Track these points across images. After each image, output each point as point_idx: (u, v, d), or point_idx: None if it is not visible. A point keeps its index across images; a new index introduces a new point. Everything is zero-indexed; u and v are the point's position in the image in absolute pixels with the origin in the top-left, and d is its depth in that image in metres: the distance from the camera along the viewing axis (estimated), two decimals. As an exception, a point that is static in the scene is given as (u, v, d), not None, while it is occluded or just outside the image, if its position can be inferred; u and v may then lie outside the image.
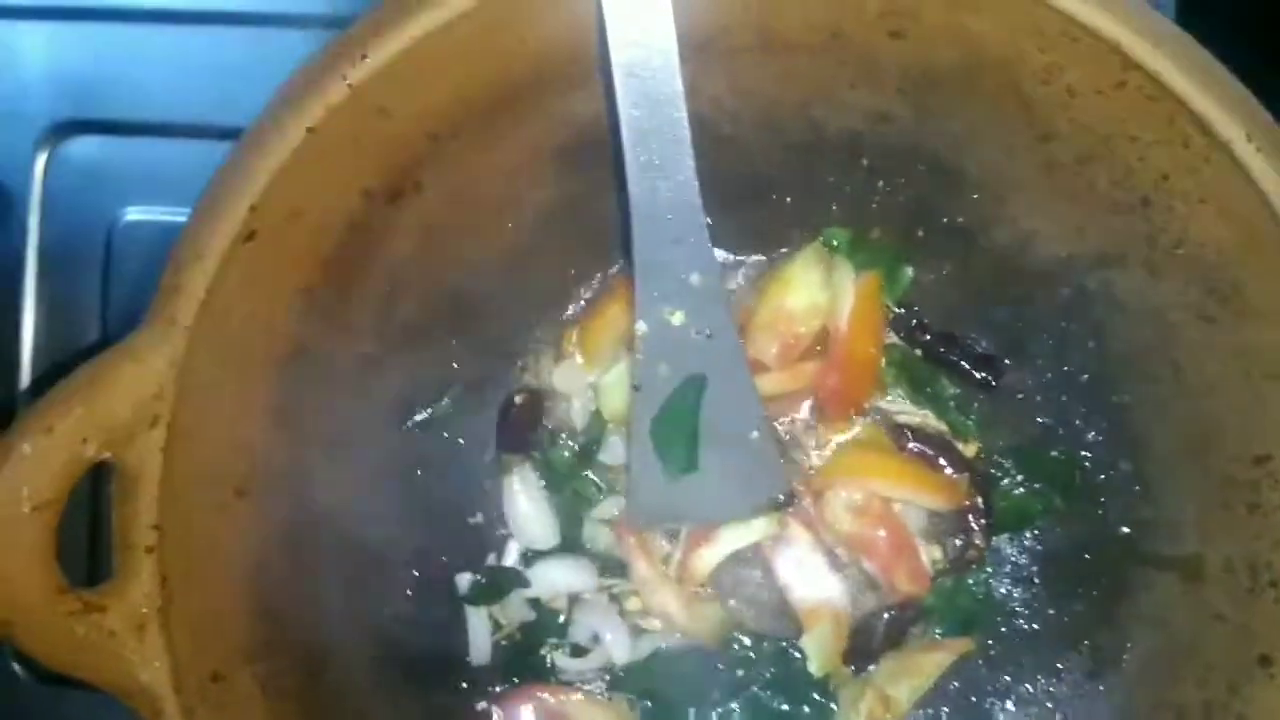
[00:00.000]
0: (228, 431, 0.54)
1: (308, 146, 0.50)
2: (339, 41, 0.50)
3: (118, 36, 0.78)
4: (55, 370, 0.78)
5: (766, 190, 0.65)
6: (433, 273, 0.62)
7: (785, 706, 0.65)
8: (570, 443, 0.68)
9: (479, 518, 0.69)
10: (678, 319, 0.58)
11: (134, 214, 0.77)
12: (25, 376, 0.78)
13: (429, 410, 0.66)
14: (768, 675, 0.66)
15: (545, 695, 0.64)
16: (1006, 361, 0.65)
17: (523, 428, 0.67)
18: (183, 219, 0.74)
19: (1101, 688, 0.62)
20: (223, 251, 0.50)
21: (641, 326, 0.59)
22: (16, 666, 0.77)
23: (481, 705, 0.65)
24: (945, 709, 0.65)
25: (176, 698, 0.50)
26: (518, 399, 0.67)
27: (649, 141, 0.53)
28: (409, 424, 0.66)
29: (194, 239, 0.50)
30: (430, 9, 0.49)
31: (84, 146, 0.78)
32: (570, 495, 0.67)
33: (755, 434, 0.61)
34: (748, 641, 0.67)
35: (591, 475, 0.67)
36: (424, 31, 0.49)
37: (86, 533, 0.73)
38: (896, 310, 0.67)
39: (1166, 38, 0.49)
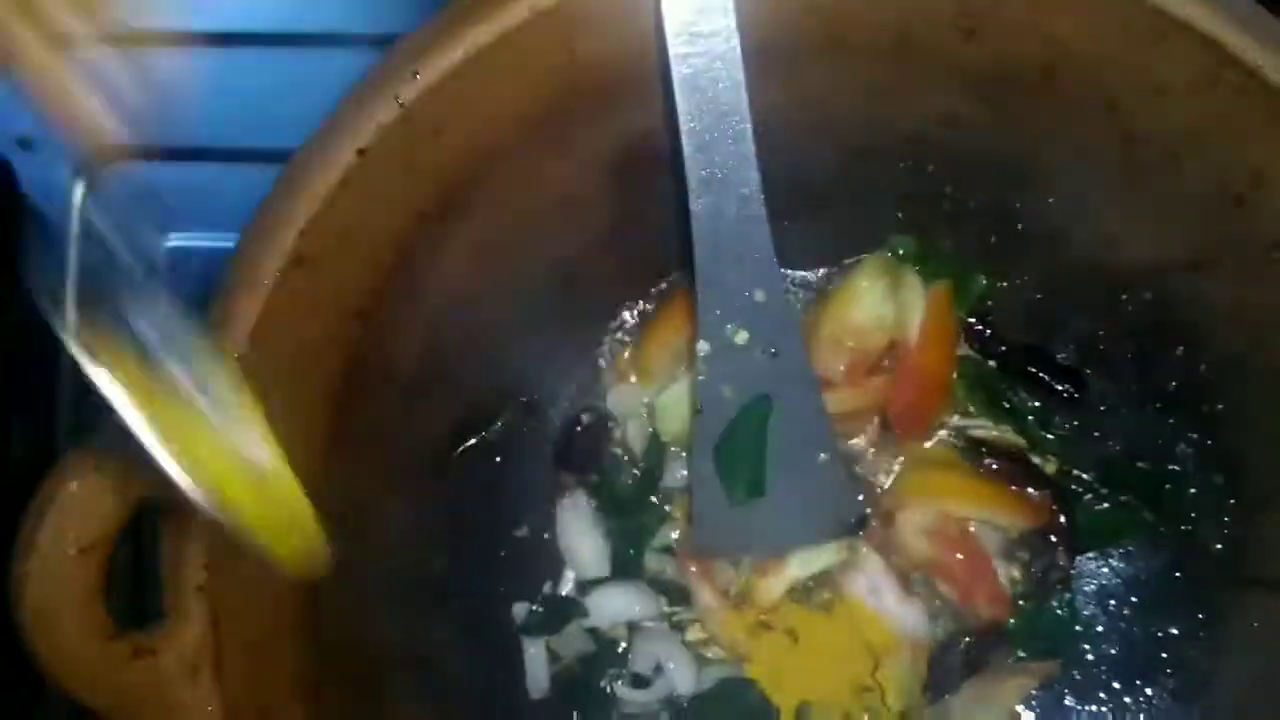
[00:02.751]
0: (281, 462, 0.53)
1: (359, 168, 0.48)
2: (390, 59, 0.48)
3: (156, 61, 0.76)
4: (97, 404, 0.78)
5: (827, 200, 0.63)
6: (484, 293, 0.60)
7: (858, 739, 0.63)
8: (631, 467, 0.66)
9: (532, 544, 0.67)
10: (741, 338, 0.56)
11: (176, 240, 0.77)
12: (66, 410, 0.76)
13: (480, 435, 0.64)
14: (840, 706, 0.63)
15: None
16: (1088, 373, 0.63)
17: (586, 449, 0.65)
18: (226, 245, 0.73)
19: (1192, 712, 0.59)
20: (272, 279, 0.48)
21: (704, 347, 0.56)
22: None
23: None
24: (1029, 739, 0.62)
25: (229, 741, 0.49)
26: (584, 418, 0.65)
27: (711, 155, 0.51)
28: (460, 449, 0.64)
29: (242, 267, 0.48)
30: (483, 24, 0.47)
31: (124, 173, 0.77)
32: (630, 522, 0.65)
33: (824, 456, 0.59)
34: (818, 671, 0.64)
35: (654, 499, 0.65)
36: (477, 47, 0.47)
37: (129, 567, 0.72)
38: (969, 321, 0.64)
39: (1267, 31, 0.46)
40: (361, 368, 0.56)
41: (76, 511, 0.45)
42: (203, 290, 0.74)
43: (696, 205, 0.52)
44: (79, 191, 0.77)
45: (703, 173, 0.51)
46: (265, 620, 0.52)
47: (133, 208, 0.76)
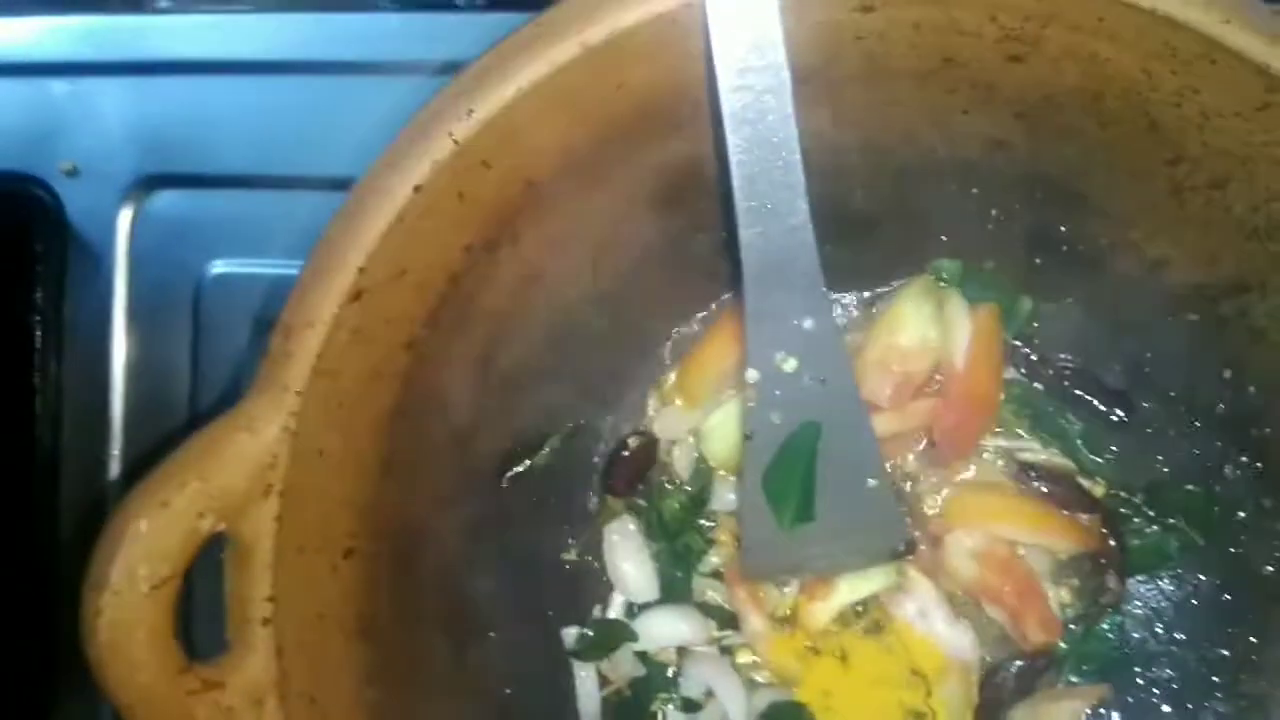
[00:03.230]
0: (337, 491, 0.53)
1: (413, 205, 0.49)
2: (444, 96, 0.49)
3: (201, 89, 0.77)
4: (147, 429, 0.79)
5: (871, 223, 0.63)
6: (531, 321, 0.61)
7: (910, 763, 0.63)
8: (678, 491, 0.66)
9: (581, 568, 0.67)
10: (790, 365, 0.56)
11: (220, 267, 0.77)
12: (116, 436, 0.77)
13: (528, 461, 0.65)
14: (891, 730, 0.63)
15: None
16: (1135, 396, 0.63)
17: (635, 472, 0.66)
18: (271, 270, 0.76)
19: (1252, 738, 0.59)
20: (333, 315, 0.49)
21: (753, 374, 0.56)
22: None
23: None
24: (1080, 763, 0.62)
25: (292, 765, 0.50)
26: (632, 441, 0.66)
27: (759, 186, 0.51)
28: (509, 474, 0.64)
29: (303, 303, 0.49)
30: (536, 60, 0.48)
31: (169, 201, 0.78)
32: (678, 545, 0.66)
33: (873, 482, 0.59)
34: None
35: (702, 522, 0.66)
36: (530, 82, 0.48)
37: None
38: (1015, 343, 0.64)
39: None
40: (412, 397, 0.56)
41: (146, 549, 0.45)
42: (244, 314, 0.76)
43: (745, 235, 0.52)
44: (125, 219, 0.79)
45: (752, 204, 0.52)
46: (326, 651, 0.53)
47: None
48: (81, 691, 0.76)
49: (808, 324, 0.55)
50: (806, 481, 0.58)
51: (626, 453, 0.66)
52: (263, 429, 0.48)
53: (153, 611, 0.45)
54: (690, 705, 0.64)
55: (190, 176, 0.78)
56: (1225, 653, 0.61)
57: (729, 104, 0.49)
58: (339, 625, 0.55)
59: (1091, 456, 0.64)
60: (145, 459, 0.74)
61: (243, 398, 0.49)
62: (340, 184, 0.50)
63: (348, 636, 0.55)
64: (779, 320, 0.55)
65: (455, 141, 0.48)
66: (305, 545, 0.51)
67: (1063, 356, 0.64)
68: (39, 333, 0.76)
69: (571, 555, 0.67)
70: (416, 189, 0.48)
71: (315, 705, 0.51)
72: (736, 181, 0.51)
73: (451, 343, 0.58)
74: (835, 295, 0.66)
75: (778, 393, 0.57)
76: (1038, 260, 0.62)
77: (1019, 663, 0.61)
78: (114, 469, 0.78)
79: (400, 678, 0.58)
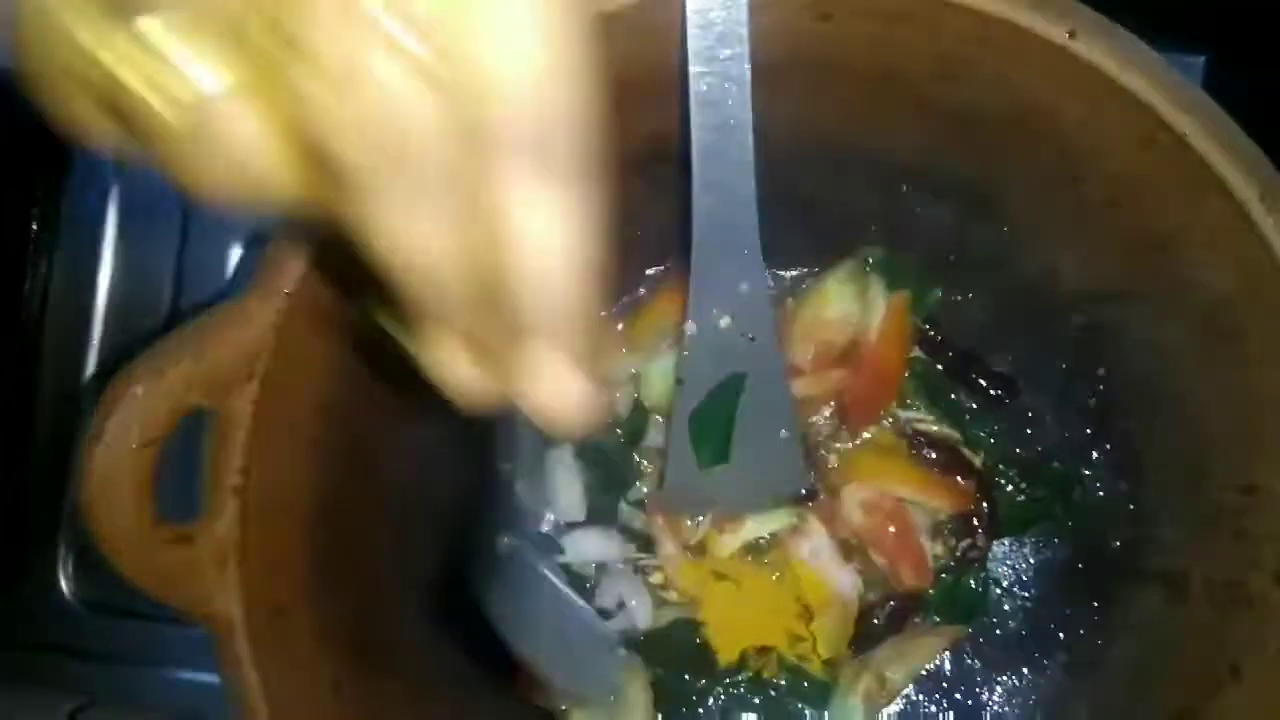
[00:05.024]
0: (310, 389, 0.59)
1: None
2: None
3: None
4: (129, 328, 0.83)
5: (810, 210, 0.69)
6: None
7: (786, 682, 0.71)
8: (615, 428, 0.73)
9: (520, 488, 0.73)
10: (725, 322, 0.63)
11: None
12: (98, 327, 0.82)
13: (485, 389, 0.70)
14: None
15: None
16: (1020, 382, 0.70)
17: (578, 405, 0.72)
18: None
19: (1081, 686, 0.67)
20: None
21: (691, 327, 0.63)
22: (69, 596, 0.83)
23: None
24: (937, 695, 0.71)
25: (246, 625, 0.56)
26: (579, 379, 0.72)
27: (715, 163, 0.58)
28: (463, 397, 0.70)
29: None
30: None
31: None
32: (609, 475, 0.72)
33: (785, 433, 0.66)
34: (759, 621, 0.72)
35: (633, 458, 0.72)
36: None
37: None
38: (922, 327, 0.71)
39: (1194, 103, 0.53)
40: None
41: (139, 411, 0.51)
42: (230, 231, 0.80)
43: (698, 203, 0.59)
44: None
45: (707, 176, 0.58)
46: (283, 529, 0.58)
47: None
48: (48, 571, 0.81)
49: (744, 287, 0.62)
50: (727, 426, 0.65)
51: (574, 389, 0.72)
52: (254, 320, 0.53)
53: (137, 467, 0.50)
54: (603, 614, 0.70)
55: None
56: (1069, 612, 0.69)
57: (695, 87, 0.55)
58: (298, 508, 0.60)
59: (975, 431, 0.71)
60: (121, 356, 0.79)
61: (239, 293, 0.54)
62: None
63: (304, 520, 0.60)
64: (719, 282, 0.62)
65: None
66: (277, 429, 0.57)
67: (961, 342, 0.71)
68: (35, 225, 0.81)
69: (508, 467, 0.73)
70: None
71: (269, 577, 0.57)
72: (696, 157, 0.57)
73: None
74: (774, 270, 0.72)
75: (711, 345, 0.63)
76: (951, 256, 0.68)
77: (892, 603, 0.69)
78: (91, 362, 0.83)
79: (347, 561, 0.63)
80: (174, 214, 0.81)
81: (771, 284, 0.72)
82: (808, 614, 0.70)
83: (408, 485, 0.68)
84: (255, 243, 0.80)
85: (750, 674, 0.70)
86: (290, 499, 0.60)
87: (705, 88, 0.55)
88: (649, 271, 0.74)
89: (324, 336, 0.59)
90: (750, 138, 0.57)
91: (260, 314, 0.54)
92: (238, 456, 0.55)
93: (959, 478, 0.69)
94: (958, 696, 0.70)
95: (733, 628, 0.71)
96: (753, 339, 0.64)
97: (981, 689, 0.70)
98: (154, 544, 0.53)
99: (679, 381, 0.65)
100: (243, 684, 0.55)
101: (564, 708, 0.68)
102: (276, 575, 0.59)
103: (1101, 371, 0.67)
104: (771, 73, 0.59)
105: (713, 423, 0.66)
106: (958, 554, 0.70)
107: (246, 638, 0.56)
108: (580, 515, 0.72)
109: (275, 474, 0.58)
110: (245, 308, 0.54)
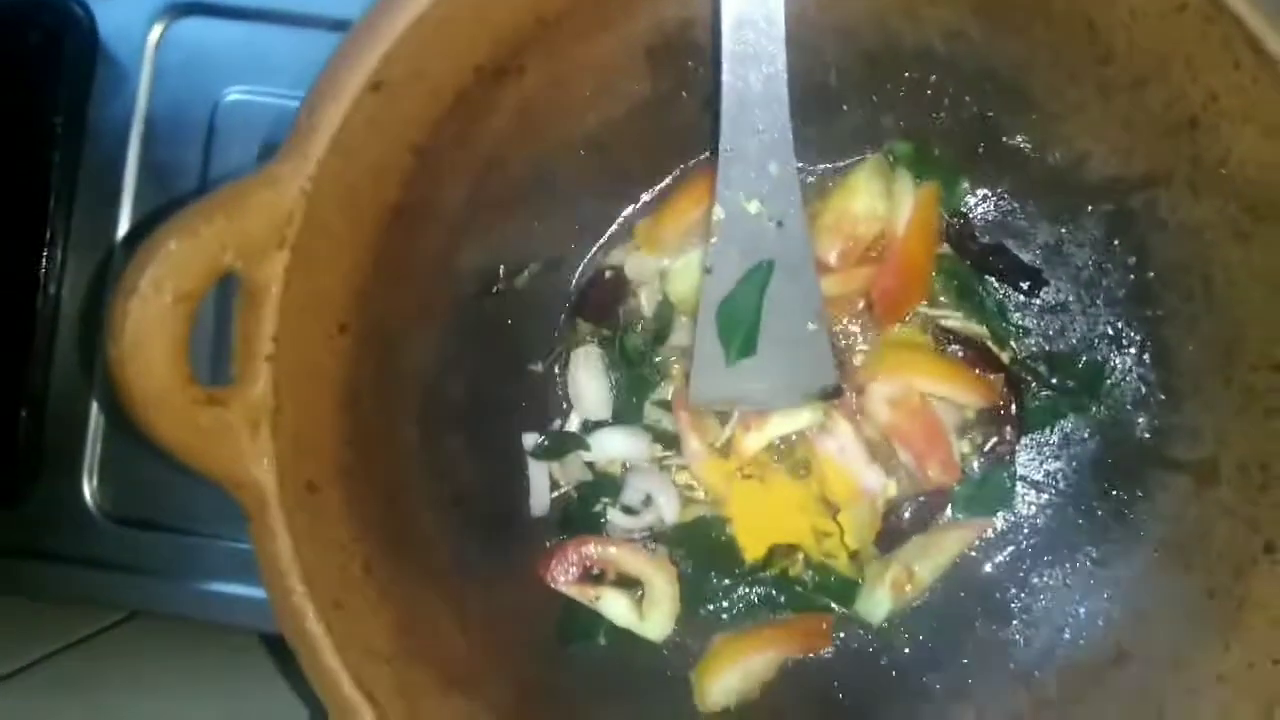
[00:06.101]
0: (338, 270, 0.59)
1: (435, 12, 0.55)
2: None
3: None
4: (151, 225, 0.83)
5: (838, 103, 0.70)
6: (524, 152, 0.67)
7: (813, 580, 0.71)
8: (641, 327, 0.73)
9: (545, 384, 0.74)
10: (753, 206, 0.63)
11: (236, 94, 0.82)
12: (122, 230, 0.83)
13: (509, 283, 0.71)
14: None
15: (592, 545, 0.69)
16: (1048, 274, 0.70)
17: (604, 302, 0.72)
18: (283, 102, 0.81)
19: (1112, 576, 0.67)
20: (353, 96, 0.55)
21: (719, 212, 0.63)
22: (93, 508, 0.83)
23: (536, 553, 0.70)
24: (962, 592, 0.70)
25: (279, 495, 0.56)
26: (607, 274, 0.72)
27: (746, 32, 0.58)
28: (491, 292, 0.70)
29: (329, 82, 0.55)
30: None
31: (195, 27, 0.83)
32: (635, 374, 0.72)
33: (812, 325, 0.66)
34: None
35: (659, 359, 0.72)
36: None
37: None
38: (950, 220, 0.71)
39: None
40: (410, 199, 0.62)
41: (174, 266, 0.50)
42: (252, 140, 0.81)
43: (728, 79, 0.59)
44: (153, 39, 0.84)
45: (737, 49, 0.58)
46: (313, 406, 0.59)
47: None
48: (65, 466, 0.82)
49: (772, 168, 0.62)
50: (754, 316, 0.65)
51: (600, 280, 0.72)
52: (284, 186, 0.53)
53: (172, 322, 0.50)
54: (629, 510, 0.71)
55: (216, 6, 0.83)
56: (1099, 505, 0.68)
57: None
58: (327, 388, 0.60)
59: (1003, 325, 0.71)
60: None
61: (269, 162, 0.55)
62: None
63: (333, 401, 0.61)
64: (747, 163, 0.62)
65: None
66: (306, 306, 0.57)
67: (988, 235, 0.71)
68: (59, 132, 0.81)
69: (539, 369, 0.73)
70: (436, -1, 0.55)
71: (299, 445, 0.57)
72: (726, 25, 0.57)
73: (452, 156, 0.63)
74: (802, 165, 0.71)
75: (740, 231, 0.63)
76: (979, 148, 0.68)
77: (919, 500, 0.69)
78: (115, 262, 0.83)
79: (374, 448, 0.64)
80: (199, 125, 0.82)
81: (800, 164, 0.72)
82: (833, 511, 0.70)
83: (433, 384, 0.68)
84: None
85: (776, 571, 0.70)
86: (320, 377, 0.60)
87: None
88: (674, 168, 0.74)
89: (353, 219, 0.59)
90: (781, 11, 0.57)
91: (291, 180, 0.54)
92: (270, 323, 0.55)
93: (987, 373, 0.69)
94: (986, 591, 0.70)
95: (758, 525, 0.71)
96: (780, 224, 0.63)
97: (1009, 584, 0.70)
98: (186, 404, 0.52)
99: (707, 270, 0.65)
100: (277, 557, 0.55)
101: (594, 595, 0.68)
102: (308, 452, 0.59)
103: (1131, 260, 0.66)
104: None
105: (740, 313, 0.65)
106: (985, 450, 0.70)
107: (281, 508, 0.56)
108: (607, 414, 0.73)
109: (306, 350, 0.58)
110: (275, 174, 0.54)
